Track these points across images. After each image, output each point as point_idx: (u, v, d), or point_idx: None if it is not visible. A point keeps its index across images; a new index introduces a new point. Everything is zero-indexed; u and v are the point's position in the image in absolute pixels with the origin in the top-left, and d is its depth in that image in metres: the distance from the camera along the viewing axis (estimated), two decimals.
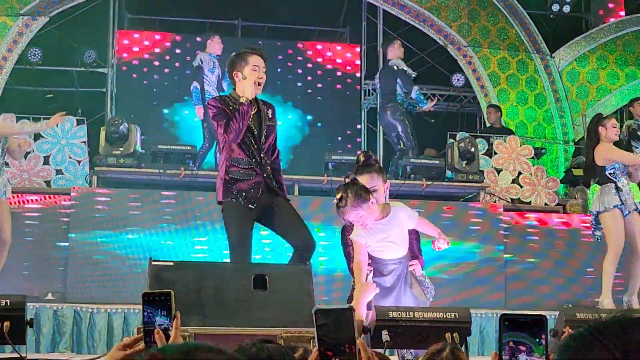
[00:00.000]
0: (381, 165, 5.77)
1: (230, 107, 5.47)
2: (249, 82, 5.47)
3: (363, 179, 5.13)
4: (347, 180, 4.83)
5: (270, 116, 5.62)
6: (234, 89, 5.59)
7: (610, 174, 7.58)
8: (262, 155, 5.52)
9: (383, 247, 4.74)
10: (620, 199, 7.49)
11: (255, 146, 5.51)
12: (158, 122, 11.71)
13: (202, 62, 9.89)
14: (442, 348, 3.14)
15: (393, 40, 10.70)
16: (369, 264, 4.74)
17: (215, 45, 10.02)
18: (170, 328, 2.15)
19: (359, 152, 5.72)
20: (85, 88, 11.86)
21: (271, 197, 5.56)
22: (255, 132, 5.51)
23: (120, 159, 8.84)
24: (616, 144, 7.69)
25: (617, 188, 7.53)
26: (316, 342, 2.04)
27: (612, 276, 7.50)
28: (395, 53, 10.30)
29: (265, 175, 5.51)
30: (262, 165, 5.52)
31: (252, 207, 5.46)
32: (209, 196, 8.32)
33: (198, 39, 11.93)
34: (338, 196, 4.64)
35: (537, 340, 1.85)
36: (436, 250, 4.91)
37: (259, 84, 5.53)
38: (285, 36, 12.82)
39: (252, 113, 5.50)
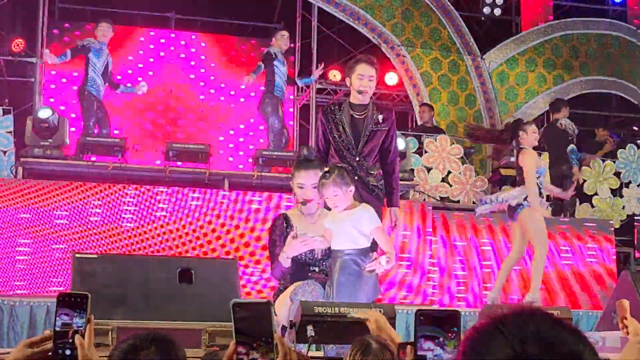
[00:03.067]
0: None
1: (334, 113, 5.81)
2: (353, 90, 5.80)
3: (305, 175, 5.16)
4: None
5: (380, 121, 5.79)
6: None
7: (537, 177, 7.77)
8: (357, 159, 5.70)
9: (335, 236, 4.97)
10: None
11: (351, 151, 5.71)
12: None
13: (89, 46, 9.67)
14: (368, 343, 3.16)
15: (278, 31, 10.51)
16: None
17: (98, 32, 9.74)
18: (83, 331, 2.12)
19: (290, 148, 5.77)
20: (13, 77, 11.62)
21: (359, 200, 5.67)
22: (351, 137, 5.73)
23: (47, 150, 8.69)
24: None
25: (540, 190, 7.72)
26: (233, 336, 2.04)
27: (541, 274, 7.69)
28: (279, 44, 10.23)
29: (357, 178, 5.60)
30: (355, 168, 5.66)
31: None
32: (139, 188, 8.25)
33: (131, 30, 11.82)
34: (325, 170, 4.97)
35: (450, 334, 1.90)
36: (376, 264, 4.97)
37: (362, 92, 5.74)
38: (219, 30, 12.76)
39: (360, 118, 5.77)
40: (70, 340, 2.10)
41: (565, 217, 9.78)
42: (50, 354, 2.13)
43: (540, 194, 7.67)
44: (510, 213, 7.58)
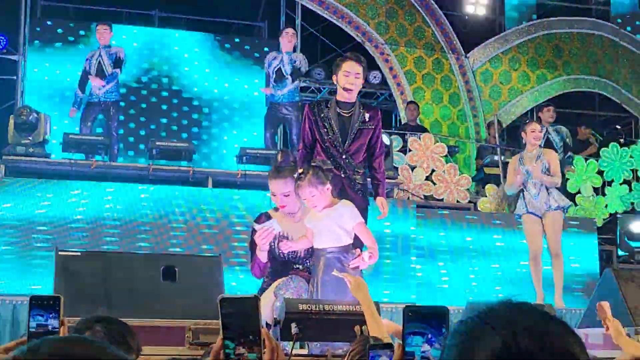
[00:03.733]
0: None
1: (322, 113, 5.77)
2: (339, 87, 5.77)
3: (275, 184, 5.13)
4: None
5: (366, 119, 5.77)
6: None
7: None
8: (343, 156, 5.69)
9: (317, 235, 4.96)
10: (526, 205, 7.71)
11: (338, 148, 5.70)
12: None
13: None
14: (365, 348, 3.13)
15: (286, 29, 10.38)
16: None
17: (96, 34, 9.76)
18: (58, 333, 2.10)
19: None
20: None
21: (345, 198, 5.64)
22: (338, 135, 5.70)
23: (30, 148, 8.63)
24: None
25: (523, 195, 7.75)
26: (220, 331, 2.03)
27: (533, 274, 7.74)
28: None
29: (344, 175, 5.61)
30: (342, 166, 5.66)
31: None
32: (123, 188, 8.22)
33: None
34: (300, 171, 4.95)
35: (439, 330, 1.89)
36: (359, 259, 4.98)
37: (348, 89, 5.72)
38: (203, 28, 12.72)
39: (346, 115, 5.75)
40: None
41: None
42: None
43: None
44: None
